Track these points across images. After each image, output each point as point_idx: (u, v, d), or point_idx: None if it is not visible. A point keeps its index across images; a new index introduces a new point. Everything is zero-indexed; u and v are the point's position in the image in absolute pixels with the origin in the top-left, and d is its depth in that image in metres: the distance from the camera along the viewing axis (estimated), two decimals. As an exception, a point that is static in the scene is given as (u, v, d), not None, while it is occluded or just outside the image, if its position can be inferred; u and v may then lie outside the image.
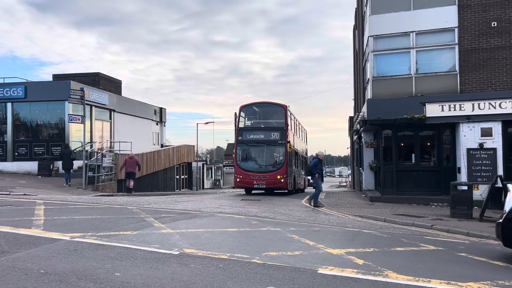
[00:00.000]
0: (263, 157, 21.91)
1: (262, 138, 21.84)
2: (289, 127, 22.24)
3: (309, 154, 35.47)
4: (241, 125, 22.76)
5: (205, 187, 47.66)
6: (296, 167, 25.16)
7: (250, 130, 22.63)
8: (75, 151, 22.10)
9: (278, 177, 20.95)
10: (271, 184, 21.06)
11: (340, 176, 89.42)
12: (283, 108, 22.34)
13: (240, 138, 22.08)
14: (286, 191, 22.32)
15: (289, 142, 21.42)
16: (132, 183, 21.12)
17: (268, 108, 23.74)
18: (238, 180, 21.57)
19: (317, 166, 15.57)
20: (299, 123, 28.28)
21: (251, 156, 22.25)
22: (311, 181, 36.04)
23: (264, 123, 23.18)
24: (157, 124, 35.85)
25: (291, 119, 23.22)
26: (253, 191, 22.71)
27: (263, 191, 22.65)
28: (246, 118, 23.65)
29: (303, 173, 29.73)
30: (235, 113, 24.13)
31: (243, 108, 23.06)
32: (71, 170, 20.47)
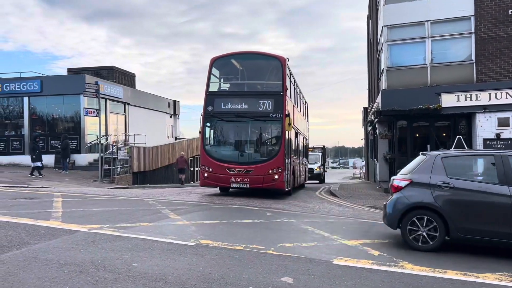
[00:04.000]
0: (247, 139, 14.54)
1: (246, 110, 14.20)
2: (288, 93, 14.68)
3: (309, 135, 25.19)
4: (213, 88, 14.98)
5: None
6: (296, 155, 17.25)
7: (227, 96, 14.94)
8: (90, 144, 23.26)
9: (270, 171, 13.56)
10: (258, 183, 13.56)
11: (354, 167, 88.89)
12: (280, 62, 14.35)
13: (210, 108, 14.34)
14: (283, 191, 14.33)
15: (288, 116, 13.86)
16: (183, 176, 24.52)
17: (255, 62, 15.70)
18: (206, 175, 14.11)
19: None
20: (300, 91, 19.32)
21: (228, 137, 14.93)
22: (316, 171, 31.32)
23: (249, 85, 15.45)
24: (170, 116, 36.07)
25: (290, 81, 15.59)
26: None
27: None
28: (222, 79, 15.99)
29: (305, 161, 22.07)
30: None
31: (215, 61, 14.88)
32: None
